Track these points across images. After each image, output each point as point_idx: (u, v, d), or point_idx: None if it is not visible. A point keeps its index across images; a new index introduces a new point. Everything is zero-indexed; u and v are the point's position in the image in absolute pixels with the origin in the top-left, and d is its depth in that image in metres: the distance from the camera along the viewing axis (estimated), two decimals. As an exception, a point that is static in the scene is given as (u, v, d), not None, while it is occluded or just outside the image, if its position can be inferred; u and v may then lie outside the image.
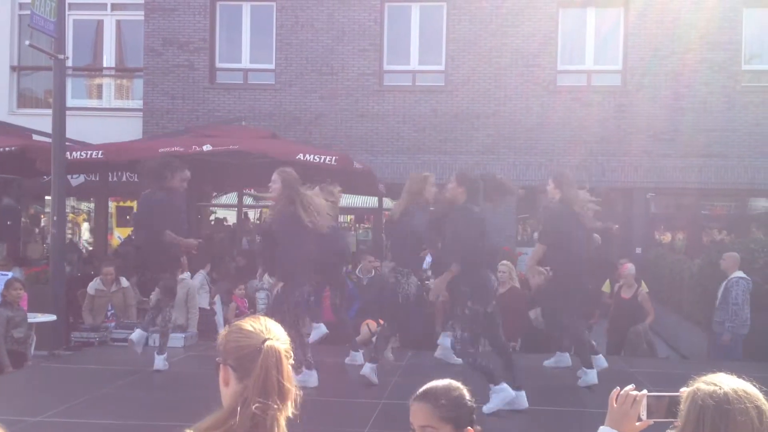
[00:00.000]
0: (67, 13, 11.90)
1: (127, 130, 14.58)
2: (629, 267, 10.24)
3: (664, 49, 14.15)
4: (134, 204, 17.05)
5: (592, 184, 14.53)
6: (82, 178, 14.23)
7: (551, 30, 14.47)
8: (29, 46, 10.49)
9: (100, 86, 16.39)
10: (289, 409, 2.01)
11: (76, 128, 12.26)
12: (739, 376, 2.09)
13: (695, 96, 14.12)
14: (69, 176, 12.18)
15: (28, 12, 9.95)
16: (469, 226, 6.37)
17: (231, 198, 18.07)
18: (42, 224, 17.09)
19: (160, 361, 7.65)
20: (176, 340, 9.06)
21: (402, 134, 14.68)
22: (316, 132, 14.66)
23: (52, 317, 9.51)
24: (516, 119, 14.39)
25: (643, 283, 10.40)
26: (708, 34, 14.04)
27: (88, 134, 13.51)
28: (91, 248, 16.39)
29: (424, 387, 2.57)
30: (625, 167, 14.08)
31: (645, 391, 2.25)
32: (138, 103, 15.57)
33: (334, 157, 10.97)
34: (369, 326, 9.94)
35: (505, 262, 9.83)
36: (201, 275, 10.55)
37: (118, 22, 15.92)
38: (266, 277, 10.08)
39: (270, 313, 6.62)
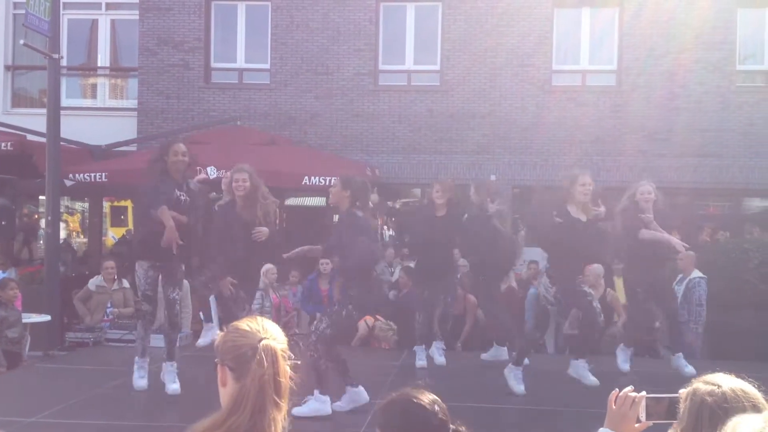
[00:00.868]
0: (61, 12, 11.88)
1: (122, 129, 14.55)
2: (593, 267, 10.23)
3: (659, 49, 14.17)
4: (128, 203, 17.05)
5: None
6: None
7: (546, 30, 14.48)
8: (24, 45, 10.48)
9: (94, 86, 16.35)
10: (286, 409, 2.02)
11: (70, 128, 12.24)
12: (738, 376, 2.10)
13: (690, 96, 14.14)
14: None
15: (23, 11, 9.94)
16: (357, 232, 6.27)
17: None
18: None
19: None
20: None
21: (397, 134, 14.67)
22: (311, 132, 14.65)
23: (47, 317, 9.50)
24: (511, 119, 14.39)
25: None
26: (702, 34, 14.06)
27: (83, 134, 13.50)
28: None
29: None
30: (620, 167, 14.09)
31: (644, 393, 2.26)
32: (133, 103, 15.53)
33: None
34: (366, 322, 9.94)
35: None
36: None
37: (113, 22, 15.87)
38: (262, 277, 10.09)
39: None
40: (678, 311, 8.11)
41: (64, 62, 13.29)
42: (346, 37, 14.72)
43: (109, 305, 10.29)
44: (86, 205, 17.14)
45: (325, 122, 14.68)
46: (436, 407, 2.25)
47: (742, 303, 9.94)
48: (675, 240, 7.12)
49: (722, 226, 14.77)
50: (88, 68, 16.28)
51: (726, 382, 2.06)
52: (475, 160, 14.40)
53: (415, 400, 2.25)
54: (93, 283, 10.45)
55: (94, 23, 15.84)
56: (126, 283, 10.62)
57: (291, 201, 16.31)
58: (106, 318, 10.18)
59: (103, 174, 11.73)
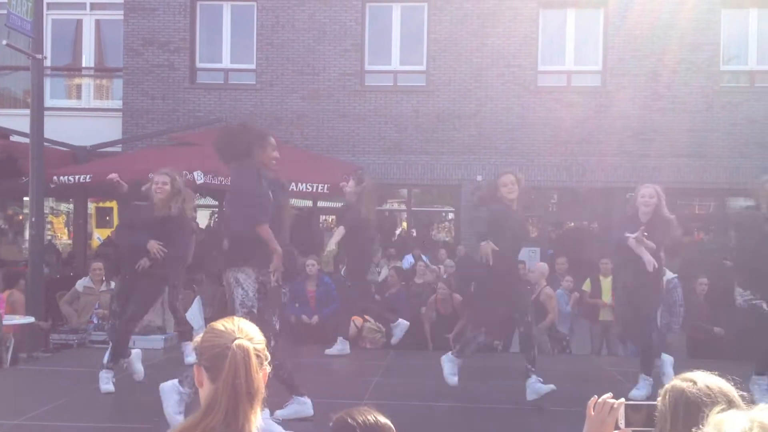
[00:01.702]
0: (45, 12, 11.83)
1: (107, 130, 14.48)
2: (538, 265, 10.27)
3: (644, 49, 14.24)
4: (113, 204, 16.95)
5: (573, 184, 14.66)
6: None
7: (532, 30, 14.53)
8: (6, 45, 10.41)
9: (79, 86, 16.27)
10: (260, 409, 2.01)
11: (55, 128, 12.18)
12: (722, 375, 2.13)
13: (674, 96, 14.23)
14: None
15: (5, 12, 9.87)
16: None
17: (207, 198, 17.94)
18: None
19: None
20: (156, 342, 9.04)
21: (384, 134, 14.68)
22: (297, 132, 14.63)
23: (30, 319, 9.44)
24: (497, 119, 14.43)
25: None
26: (687, 35, 14.15)
27: (68, 134, 13.43)
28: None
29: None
30: (605, 167, 14.17)
31: (623, 400, 2.27)
32: (117, 104, 15.46)
33: (326, 186, 11.08)
34: (355, 322, 9.93)
35: None
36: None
37: (98, 22, 15.80)
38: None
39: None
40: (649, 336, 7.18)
41: (48, 63, 13.23)
42: (331, 37, 14.72)
43: (96, 306, 10.24)
44: (71, 206, 17.05)
45: (311, 123, 14.67)
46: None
47: (726, 302, 10.00)
48: (647, 257, 6.63)
49: (706, 226, 14.89)
50: (73, 69, 16.21)
51: (702, 378, 2.08)
52: (462, 160, 14.43)
53: (355, 421, 2.21)
54: (81, 284, 10.40)
55: (79, 23, 15.76)
56: (113, 285, 10.57)
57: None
58: (90, 321, 10.13)
59: (87, 176, 11.66)
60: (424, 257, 13.63)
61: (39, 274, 10.10)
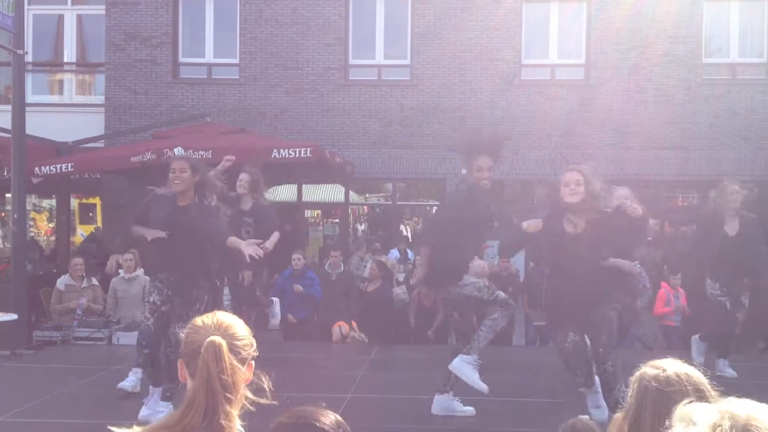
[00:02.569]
0: (26, 7, 11.72)
1: (89, 125, 14.37)
2: (476, 264, 10.24)
3: (626, 42, 14.30)
4: (97, 200, 16.87)
5: (557, 176, 14.67)
6: (43, 175, 14.04)
7: (515, 24, 14.55)
8: (-13, 41, 10.32)
9: (61, 81, 16.15)
10: (239, 405, 1.97)
11: (37, 124, 12.08)
12: (687, 362, 2.16)
13: (657, 89, 14.30)
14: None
15: (-15, 6, 9.77)
16: None
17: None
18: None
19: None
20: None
21: (368, 129, 14.67)
22: (281, 127, 14.59)
23: (14, 316, 9.37)
24: (481, 113, 14.44)
25: None
26: (668, 27, 14.21)
27: (50, 130, 13.32)
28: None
29: None
30: (589, 160, 14.21)
31: None
32: (100, 99, 15.36)
33: (309, 149, 10.99)
34: (341, 329, 9.92)
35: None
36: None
37: (79, 17, 15.67)
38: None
39: None
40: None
41: (29, 58, 13.12)
42: (315, 31, 14.68)
43: (80, 301, 10.19)
44: (54, 202, 16.94)
45: (295, 117, 14.64)
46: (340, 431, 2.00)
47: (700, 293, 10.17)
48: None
49: (689, 217, 14.98)
50: (54, 64, 16.08)
51: (671, 366, 2.11)
52: (447, 154, 14.42)
53: (317, 424, 1.98)
54: (61, 282, 10.34)
55: (60, 18, 15.63)
56: (95, 281, 10.51)
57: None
58: (76, 317, 10.08)
59: (69, 164, 11.59)
60: (409, 252, 13.65)
61: (22, 271, 10.03)
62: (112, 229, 13.85)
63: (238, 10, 14.83)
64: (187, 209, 6.09)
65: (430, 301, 10.66)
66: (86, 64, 16.03)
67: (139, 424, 2.00)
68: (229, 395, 1.92)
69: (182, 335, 2.08)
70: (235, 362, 1.95)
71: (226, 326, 2.02)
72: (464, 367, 6.14)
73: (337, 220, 16.31)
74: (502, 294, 6.60)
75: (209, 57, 15.07)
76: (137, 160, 11.17)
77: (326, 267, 11.36)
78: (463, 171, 14.05)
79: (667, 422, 1.97)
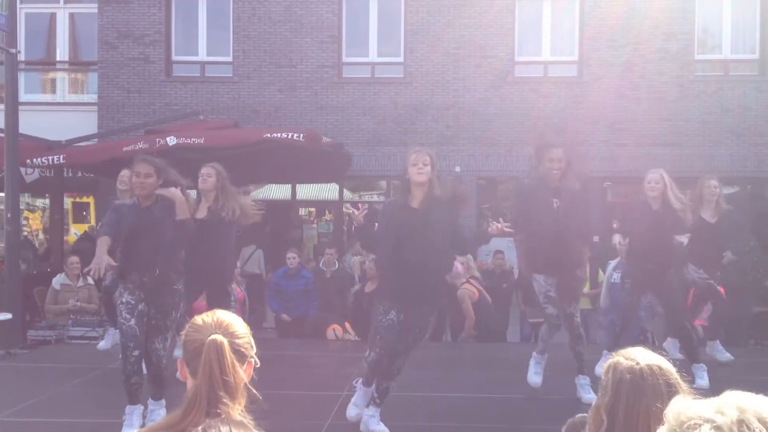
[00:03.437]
0: (19, 6, 11.69)
1: (82, 124, 14.33)
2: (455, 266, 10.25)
3: (619, 39, 14.33)
4: (90, 200, 16.83)
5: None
6: (36, 174, 14.01)
7: (508, 21, 14.56)
8: (-21, 40, 10.27)
9: (54, 80, 16.10)
10: (241, 404, 1.98)
11: (30, 123, 12.05)
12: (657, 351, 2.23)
13: (650, 86, 14.33)
14: (23, 172, 12.01)
15: (-23, 5, 9.74)
16: None
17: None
18: None
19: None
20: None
21: (362, 126, 14.67)
22: (275, 125, 14.54)
23: (8, 316, 9.36)
24: (474, 110, 14.46)
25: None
26: (661, 24, 14.25)
27: (43, 129, 13.27)
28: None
29: None
30: (581, 157, 14.24)
31: None
32: (93, 97, 15.32)
33: (301, 135, 10.94)
34: (335, 332, 9.91)
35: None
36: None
37: (72, 15, 15.62)
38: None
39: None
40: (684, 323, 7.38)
41: (22, 57, 13.07)
42: (309, 29, 14.67)
43: (74, 300, 10.17)
44: (47, 201, 16.90)
45: (289, 115, 14.62)
46: None
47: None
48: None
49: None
50: (47, 63, 16.03)
51: (644, 358, 2.17)
52: (440, 151, 14.27)
53: None
54: (57, 281, 10.32)
55: (53, 17, 15.58)
56: (91, 280, 10.49)
57: (254, 195, 16.25)
58: (72, 317, 10.07)
59: (61, 156, 11.53)
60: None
61: (16, 270, 10.01)
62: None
63: (231, 7, 14.80)
64: (151, 210, 5.92)
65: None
66: (79, 63, 15.99)
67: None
68: (231, 394, 1.94)
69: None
70: (236, 361, 1.97)
71: (227, 324, 2.03)
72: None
73: (330, 218, 16.32)
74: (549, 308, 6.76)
75: (202, 55, 15.05)
76: (129, 150, 11.10)
77: (320, 265, 11.37)
78: (457, 168, 14.16)
79: (640, 414, 2.06)
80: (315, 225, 16.82)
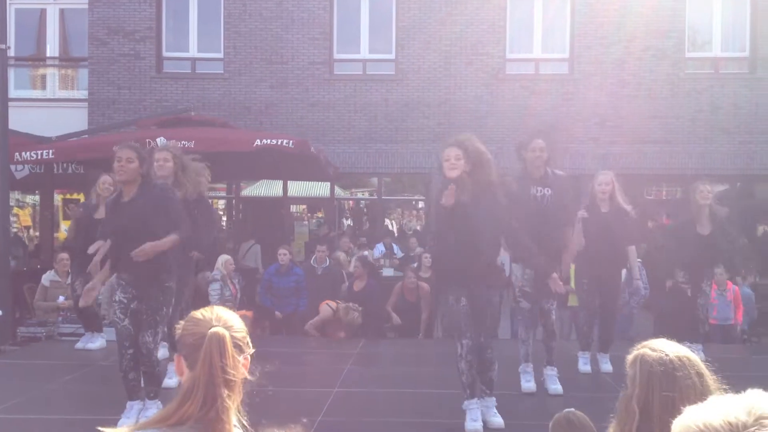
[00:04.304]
0: (8, 1, 11.63)
1: (73, 120, 14.28)
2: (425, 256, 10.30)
3: (610, 37, 14.37)
4: (81, 196, 16.77)
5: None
6: (26, 170, 13.94)
7: (499, 18, 14.57)
8: (-32, 35, 10.22)
9: (44, 76, 16.03)
10: (239, 398, 2.00)
11: (20, 119, 12.01)
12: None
13: (640, 83, 14.38)
14: (13, 168, 11.95)
15: (-34, 0, 9.69)
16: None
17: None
18: None
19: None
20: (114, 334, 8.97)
21: (353, 123, 14.66)
22: (266, 122, 14.56)
23: (-2, 313, 9.34)
24: (466, 107, 14.48)
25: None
26: (652, 22, 14.30)
27: (33, 125, 13.22)
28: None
29: None
30: (573, 154, 14.26)
31: None
32: (83, 94, 15.27)
33: (291, 141, 10.92)
34: (329, 305, 9.90)
35: None
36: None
37: (62, 11, 15.55)
38: (220, 268, 10.04)
39: None
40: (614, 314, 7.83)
41: (11, 53, 13.01)
42: (300, 25, 14.65)
43: (64, 298, 10.14)
44: (37, 197, 16.84)
45: (280, 112, 14.61)
46: None
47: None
48: (555, 281, 6.32)
49: (673, 211, 15.07)
50: (37, 59, 15.96)
51: (670, 349, 2.20)
52: (432, 148, 14.43)
53: None
54: (46, 278, 10.28)
55: (43, 13, 15.51)
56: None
57: (246, 192, 16.23)
58: (61, 313, 10.04)
59: (50, 151, 11.48)
60: (395, 246, 13.68)
61: (6, 267, 9.98)
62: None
63: (222, 4, 14.77)
64: (133, 204, 5.80)
65: (414, 297, 10.69)
66: (69, 59, 15.91)
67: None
68: (230, 386, 1.95)
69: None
70: (236, 355, 1.99)
71: (225, 319, 2.05)
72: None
73: (322, 215, 16.31)
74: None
75: (193, 51, 15.01)
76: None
77: (312, 261, 11.36)
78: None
79: (675, 404, 2.05)
80: (306, 222, 16.80)
